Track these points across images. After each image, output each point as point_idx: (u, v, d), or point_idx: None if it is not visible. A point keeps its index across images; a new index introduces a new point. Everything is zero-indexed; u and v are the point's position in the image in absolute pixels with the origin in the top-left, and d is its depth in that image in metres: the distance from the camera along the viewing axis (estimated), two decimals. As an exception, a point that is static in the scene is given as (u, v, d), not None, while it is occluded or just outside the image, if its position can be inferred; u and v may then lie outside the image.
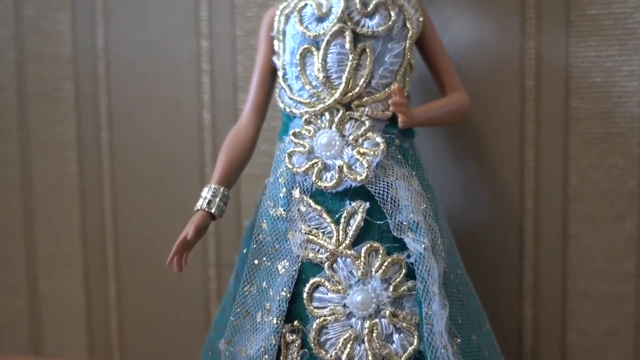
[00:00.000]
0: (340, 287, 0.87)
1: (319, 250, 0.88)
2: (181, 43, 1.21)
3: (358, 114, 0.90)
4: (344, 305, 0.87)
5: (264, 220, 0.91)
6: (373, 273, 0.87)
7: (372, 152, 0.88)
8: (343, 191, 0.89)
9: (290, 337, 0.88)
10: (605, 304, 1.08)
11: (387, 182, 0.88)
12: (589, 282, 1.08)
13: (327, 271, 0.87)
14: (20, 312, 1.35)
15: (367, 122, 0.90)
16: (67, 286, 1.32)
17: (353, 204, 0.88)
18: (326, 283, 0.87)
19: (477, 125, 1.10)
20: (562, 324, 1.10)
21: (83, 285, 1.31)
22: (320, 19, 0.92)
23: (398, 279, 0.87)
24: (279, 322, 0.88)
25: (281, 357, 0.88)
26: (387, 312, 0.86)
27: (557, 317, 1.10)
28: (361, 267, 0.87)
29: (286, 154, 0.91)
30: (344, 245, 0.87)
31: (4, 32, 1.30)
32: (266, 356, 0.88)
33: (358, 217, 0.88)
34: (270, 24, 0.97)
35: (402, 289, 0.87)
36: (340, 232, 0.88)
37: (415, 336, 0.86)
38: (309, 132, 0.91)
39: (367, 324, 0.86)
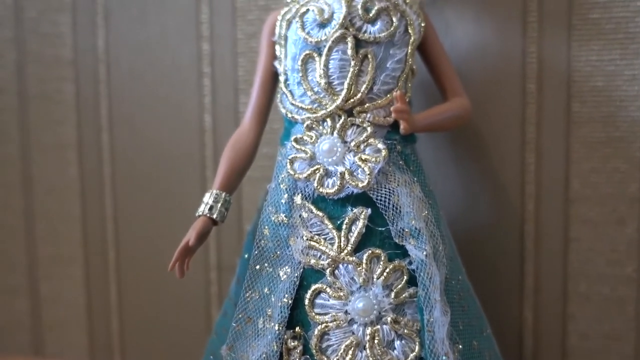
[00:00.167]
0: (341, 294, 0.87)
1: (320, 256, 0.88)
2: (182, 45, 1.21)
3: (360, 120, 0.90)
4: (346, 312, 0.87)
5: (266, 226, 0.91)
6: (375, 280, 0.87)
7: (374, 159, 0.88)
8: (345, 197, 0.88)
9: (292, 344, 0.88)
10: (607, 307, 1.08)
11: (389, 189, 0.88)
12: (590, 285, 1.08)
13: (328, 277, 0.87)
14: (21, 313, 1.35)
15: (368, 129, 0.89)
16: (68, 287, 1.32)
17: (355, 210, 0.88)
18: (328, 289, 0.87)
19: (479, 129, 1.10)
20: (563, 327, 1.10)
21: (84, 287, 1.31)
22: (322, 25, 0.91)
23: (400, 286, 0.87)
24: (280, 328, 0.88)
25: (283, 364, 0.88)
26: (389, 319, 0.86)
27: (557, 320, 1.10)
28: (363, 273, 0.86)
29: (288, 160, 0.90)
30: (345, 251, 0.87)
31: (4, 33, 1.30)
32: (268, 362, 0.88)
33: (360, 224, 0.88)
34: (271, 28, 0.97)
35: (403, 295, 0.87)
36: (342, 239, 0.87)
37: (417, 343, 0.86)
38: (311, 138, 0.90)
39: (368, 331, 0.86)
